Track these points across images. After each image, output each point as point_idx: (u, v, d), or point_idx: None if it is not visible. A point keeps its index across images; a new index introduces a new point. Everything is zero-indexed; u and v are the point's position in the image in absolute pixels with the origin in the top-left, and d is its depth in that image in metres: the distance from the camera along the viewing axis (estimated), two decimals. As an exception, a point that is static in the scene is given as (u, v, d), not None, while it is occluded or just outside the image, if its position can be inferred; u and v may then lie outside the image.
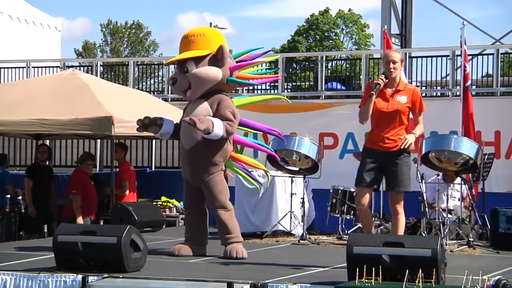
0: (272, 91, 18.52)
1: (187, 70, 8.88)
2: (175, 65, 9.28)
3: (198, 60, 8.87)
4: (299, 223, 11.12)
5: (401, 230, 8.24)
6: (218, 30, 9.33)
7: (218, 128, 8.65)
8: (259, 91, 18.48)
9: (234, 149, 9.26)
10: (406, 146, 8.14)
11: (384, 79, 8.13)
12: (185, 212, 9.49)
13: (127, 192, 13.26)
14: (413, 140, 8.23)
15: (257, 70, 9.54)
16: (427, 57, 17.08)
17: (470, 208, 11.31)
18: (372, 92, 8.07)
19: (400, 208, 8.23)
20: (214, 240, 9.28)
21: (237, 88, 12.97)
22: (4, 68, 19.80)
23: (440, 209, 10.85)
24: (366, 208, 8.37)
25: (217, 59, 8.86)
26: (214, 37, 9.01)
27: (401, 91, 8.25)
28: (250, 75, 9.35)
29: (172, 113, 13.19)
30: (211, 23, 29.39)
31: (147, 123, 9.05)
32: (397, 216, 8.24)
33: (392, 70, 8.17)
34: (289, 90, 18.83)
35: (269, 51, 10.01)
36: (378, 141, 8.20)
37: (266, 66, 9.75)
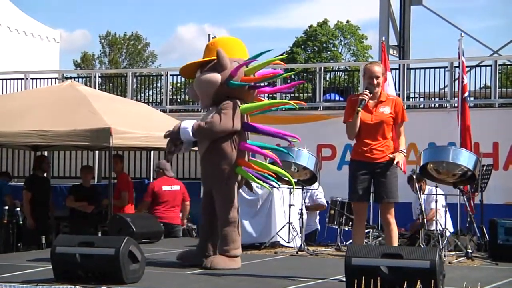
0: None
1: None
2: None
3: (203, 69, 8.97)
4: (298, 234, 11.11)
5: (395, 240, 8.22)
6: (235, 38, 9.29)
7: (185, 126, 8.84)
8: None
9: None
10: (400, 166, 8.16)
11: (369, 94, 8.13)
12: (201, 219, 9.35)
13: (126, 202, 13.27)
14: (403, 159, 8.23)
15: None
16: (425, 68, 17.10)
17: (468, 219, 11.32)
18: (358, 108, 8.06)
19: (392, 219, 8.22)
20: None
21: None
22: (2, 79, 19.80)
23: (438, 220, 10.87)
24: (363, 223, 8.39)
25: (217, 65, 8.91)
26: (222, 44, 9.06)
27: (383, 102, 8.23)
28: (255, 77, 9.13)
29: (171, 124, 13.20)
30: (209, 34, 29.29)
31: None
32: (390, 227, 8.22)
33: (374, 84, 8.17)
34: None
35: (282, 54, 9.83)
36: (365, 152, 8.17)
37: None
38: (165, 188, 13.12)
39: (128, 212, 12.99)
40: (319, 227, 12.47)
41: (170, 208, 13.03)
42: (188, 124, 8.85)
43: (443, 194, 11.20)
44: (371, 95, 8.13)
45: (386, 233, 8.30)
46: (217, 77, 8.87)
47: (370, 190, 8.23)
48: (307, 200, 12.10)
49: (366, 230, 11.10)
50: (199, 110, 13.63)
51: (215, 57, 8.90)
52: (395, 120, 8.24)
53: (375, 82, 8.14)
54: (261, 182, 9.17)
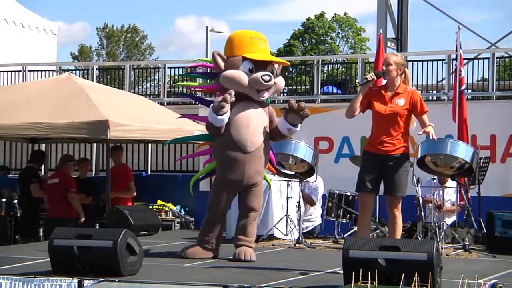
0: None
1: (272, 72, 9.17)
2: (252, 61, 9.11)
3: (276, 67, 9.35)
4: (295, 227, 11.12)
5: (398, 234, 8.22)
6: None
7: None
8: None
9: None
10: (432, 136, 8.23)
11: (374, 77, 8.14)
12: (209, 214, 9.34)
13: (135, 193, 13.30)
14: (432, 130, 8.26)
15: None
16: (422, 61, 17.08)
17: (466, 212, 11.34)
18: (356, 83, 8.12)
19: (398, 212, 8.21)
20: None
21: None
22: (0, 71, 19.76)
23: (434, 206, 10.91)
24: (368, 215, 8.33)
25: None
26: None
27: (400, 94, 8.21)
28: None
29: (168, 117, 13.22)
30: (207, 27, 29.34)
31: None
32: (395, 220, 8.22)
33: (384, 71, 8.17)
34: (285, 94, 18.81)
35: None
36: (377, 144, 8.16)
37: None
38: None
39: (126, 204, 12.98)
40: (322, 222, 12.36)
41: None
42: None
43: (440, 187, 11.20)
44: (376, 79, 8.15)
45: (391, 226, 8.29)
46: None
47: (379, 183, 8.20)
48: (306, 190, 12.06)
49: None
50: (197, 103, 13.57)
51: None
52: (414, 112, 8.21)
53: (385, 68, 8.15)
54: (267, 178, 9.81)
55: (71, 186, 12.58)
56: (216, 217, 9.22)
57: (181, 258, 9.04)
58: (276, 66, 9.28)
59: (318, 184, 12.04)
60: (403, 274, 6.43)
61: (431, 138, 8.32)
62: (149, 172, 17.23)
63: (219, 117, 8.90)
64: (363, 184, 8.16)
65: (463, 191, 11.39)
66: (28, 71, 19.26)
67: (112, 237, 7.55)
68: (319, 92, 16.98)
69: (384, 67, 8.21)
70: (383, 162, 8.14)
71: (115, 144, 13.85)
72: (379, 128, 8.17)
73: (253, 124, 9.09)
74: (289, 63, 9.16)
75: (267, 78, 9.03)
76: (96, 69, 19.87)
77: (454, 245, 10.39)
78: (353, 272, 6.52)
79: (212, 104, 9.03)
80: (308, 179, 11.25)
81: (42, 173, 14.94)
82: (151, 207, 13.92)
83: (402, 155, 8.16)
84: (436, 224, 10.44)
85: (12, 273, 7.62)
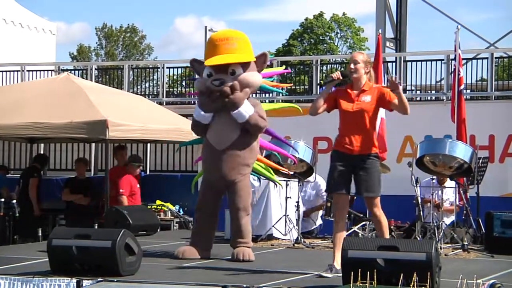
0: (267, 94, 18.50)
1: (233, 73, 9.03)
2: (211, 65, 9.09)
3: (244, 65, 9.09)
4: (294, 226, 11.12)
5: (385, 231, 8.03)
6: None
7: (247, 108, 8.95)
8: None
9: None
10: (396, 83, 7.94)
11: (340, 76, 8.11)
12: (196, 214, 9.38)
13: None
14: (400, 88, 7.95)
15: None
16: (421, 61, 17.09)
17: (465, 212, 11.34)
18: (320, 81, 8.07)
19: (379, 211, 8.03)
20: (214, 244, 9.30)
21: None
22: (-2, 71, 19.78)
23: (433, 206, 10.91)
24: (344, 216, 8.18)
25: (257, 65, 9.16)
26: (249, 43, 9.25)
27: (365, 91, 8.12)
28: (273, 83, 9.97)
29: (167, 116, 13.23)
30: (206, 27, 29.34)
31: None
32: (376, 219, 8.06)
33: (352, 70, 8.14)
34: (283, 94, 18.81)
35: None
36: (345, 143, 8.01)
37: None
38: None
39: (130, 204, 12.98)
40: (322, 222, 12.34)
41: None
42: (250, 111, 9.00)
43: (439, 187, 11.21)
44: (342, 78, 8.11)
45: (376, 226, 8.19)
46: (261, 79, 9.33)
47: (349, 182, 8.06)
48: (311, 198, 12.06)
49: (363, 223, 11.12)
50: (194, 102, 13.59)
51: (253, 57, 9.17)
52: (385, 104, 8.06)
53: (352, 67, 8.11)
54: (271, 175, 9.79)
55: (120, 188, 12.73)
56: (204, 217, 9.23)
57: (178, 258, 9.03)
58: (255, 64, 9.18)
59: (321, 185, 12.05)
60: (401, 274, 6.44)
61: (393, 79, 8.11)
62: (147, 172, 17.23)
63: (206, 114, 9.01)
64: (336, 185, 8.01)
65: (462, 191, 11.38)
66: (27, 71, 19.28)
67: (111, 237, 7.55)
68: (318, 92, 16.99)
69: (352, 66, 8.17)
70: (353, 162, 8.01)
71: (120, 143, 13.88)
72: (347, 127, 8.05)
73: (221, 121, 9.06)
74: (246, 60, 9.00)
75: (216, 83, 9.03)
76: (95, 69, 19.87)
77: (453, 245, 10.38)
78: (352, 272, 6.52)
79: (198, 101, 9.13)
80: (308, 179, 11.25)
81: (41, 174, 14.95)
82: (149, 207, 13.90)
83: (371, 154, 8.02)
84: (435, 224, 10.44)
85: (11, 273, 7.62)
